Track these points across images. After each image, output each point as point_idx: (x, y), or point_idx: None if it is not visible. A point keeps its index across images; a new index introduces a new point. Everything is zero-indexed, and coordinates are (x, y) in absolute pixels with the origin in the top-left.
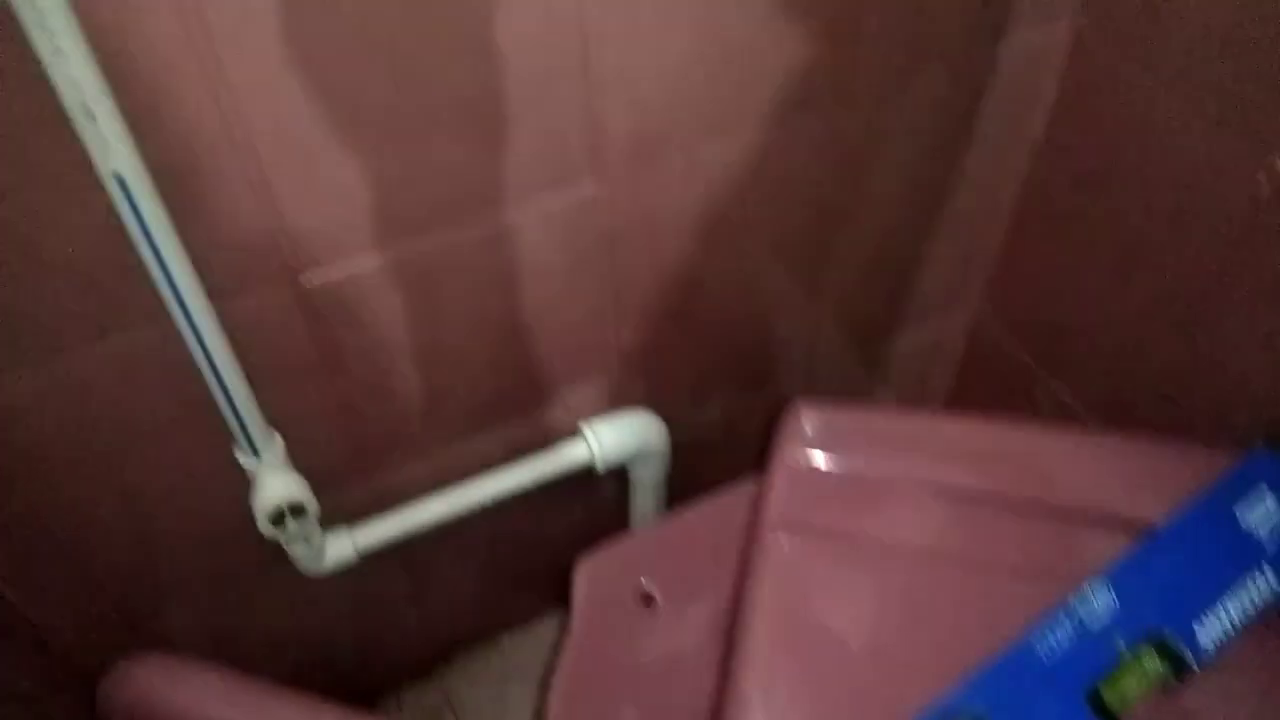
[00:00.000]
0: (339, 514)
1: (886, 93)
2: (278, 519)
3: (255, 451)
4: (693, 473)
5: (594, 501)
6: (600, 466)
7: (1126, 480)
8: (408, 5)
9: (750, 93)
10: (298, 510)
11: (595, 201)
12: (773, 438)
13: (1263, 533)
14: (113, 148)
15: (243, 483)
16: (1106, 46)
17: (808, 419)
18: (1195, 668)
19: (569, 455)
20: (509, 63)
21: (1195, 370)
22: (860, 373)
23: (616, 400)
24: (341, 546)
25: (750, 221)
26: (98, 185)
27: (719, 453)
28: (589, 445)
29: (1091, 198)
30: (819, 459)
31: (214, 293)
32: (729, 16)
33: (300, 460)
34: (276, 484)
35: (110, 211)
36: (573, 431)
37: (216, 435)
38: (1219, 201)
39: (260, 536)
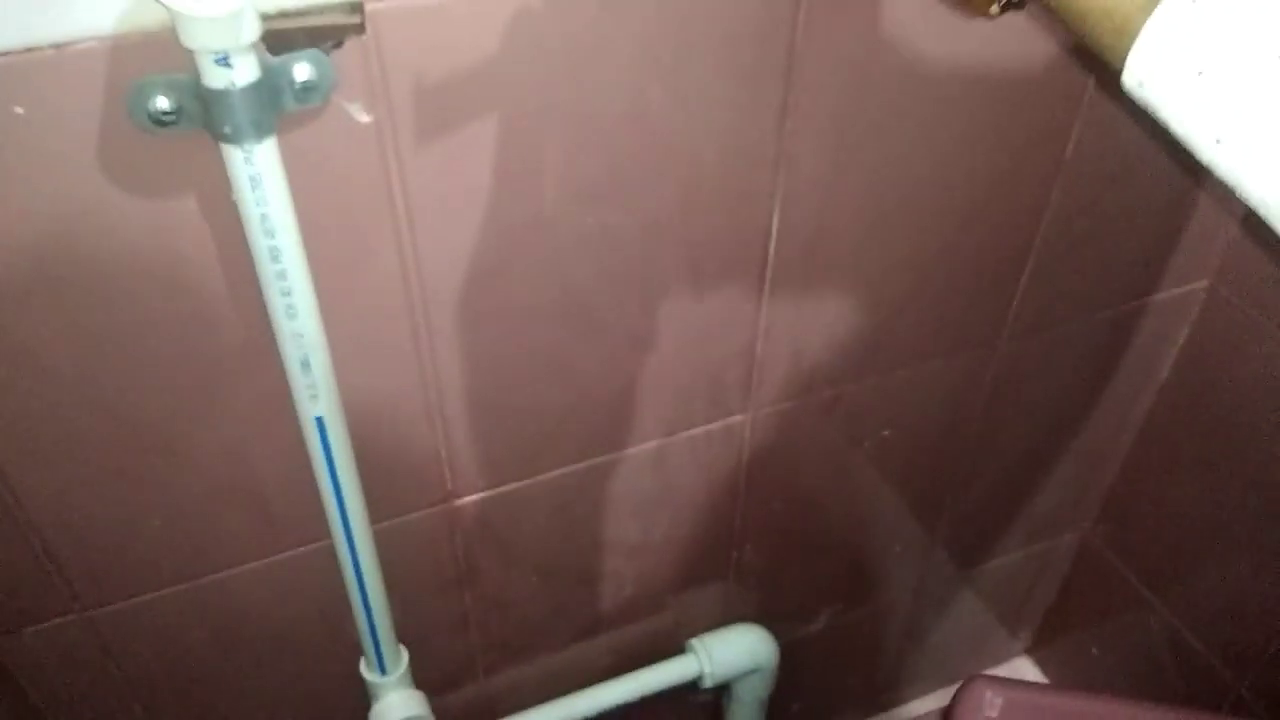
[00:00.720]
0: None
1: (1029, 341)
2: None
3: (383, 668)
4: (790, 681)
5: (690, 709)
6: (709, 684)
7: None
8: (606, 273)
9: (904, 340)
10: None
11: (740, 429)
12: (951, 711)
13: None
14: (321, 396)
15: (356, 694)
16: (1238, 297)
17: (987, 699)
18: None
19: (678, 670)
20: (688, 314)
21: None
22: (964, 587)
23: (728, 612)
24: None
25: (882, 449)
26: (288, 420)
27: (819, 664)
28: (700, 663)
29: (1214, 436)
30: None
31: (374, 516)
32: (898, 278)
33: (414, 671)
34: (400, 702)
35: (293, 444)
36: (681, 641)
37: (342, 650)
38: None
39: None
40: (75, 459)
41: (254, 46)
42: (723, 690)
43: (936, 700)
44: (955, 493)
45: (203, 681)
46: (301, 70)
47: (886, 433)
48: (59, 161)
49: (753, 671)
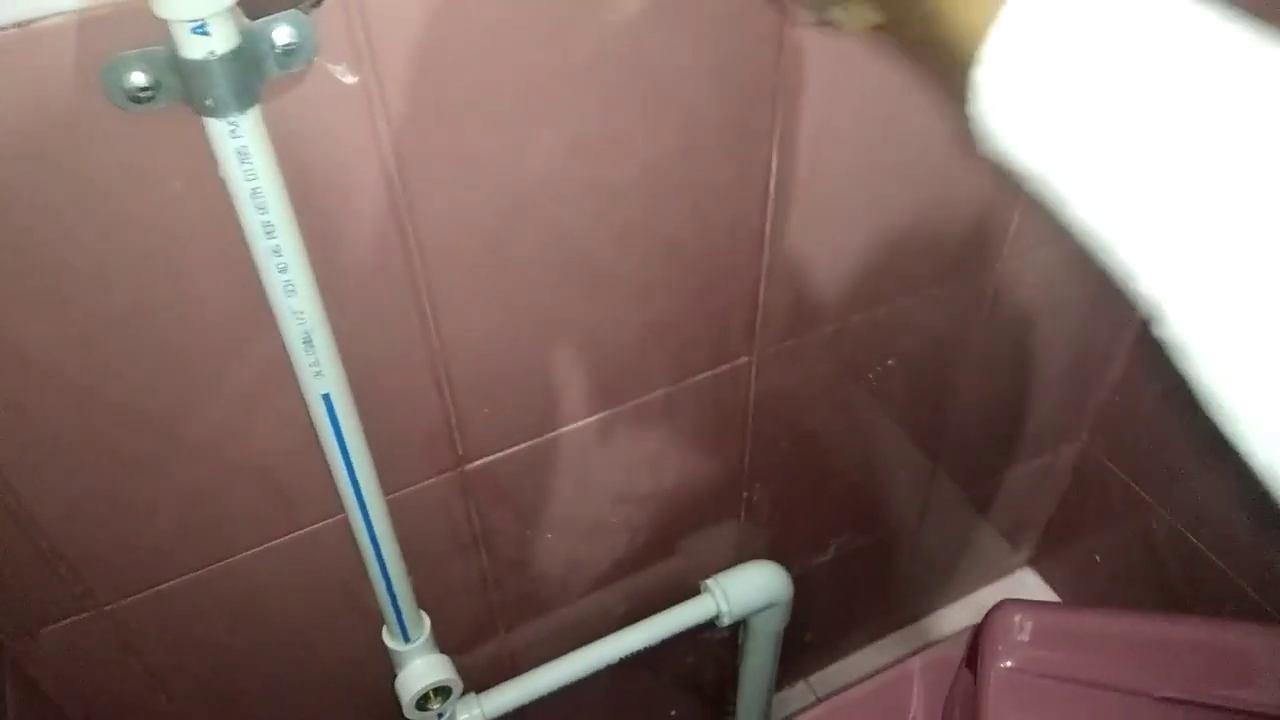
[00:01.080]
0: (464, 679)
1: (1027, 260)
2: (423, 702)
3: (406, 636)
4: (802, 611)
5: (707, 646)
6: (726, 622)
7: None
8: (607, 224)
9: (904, 270)
10: (444, 692)
11: (746, 371)
12: (980, 638)
13: None
14: (325, 373)
15: (379, 663)
16: None
17: (1018, 621)
18: None
19: (695, 612)
20: (690, 261)
21: None
22: (967, 505)
23: (741, 550)
24: (471, 716)
25: (885, 378)
26: (293, 398)
27: (830, 592)
28: (717, 602)
29: None
30: (1028, 661)
31: (386, 487)
32: (899, 210)
33: (436, 634)
34: (425, 668)
35: (300, 422)
36: (695, 582)
37: (364, 620)
38: None
39: (386, 709)
40: (76, 454)
41: (231, 11)
42: (739, 626)
43: (941, 620)
44: (957, 415)
45: (226, 664)
46: (282, 33)
47: (890, 361)
48: (32, 147)
49: (768, 607)
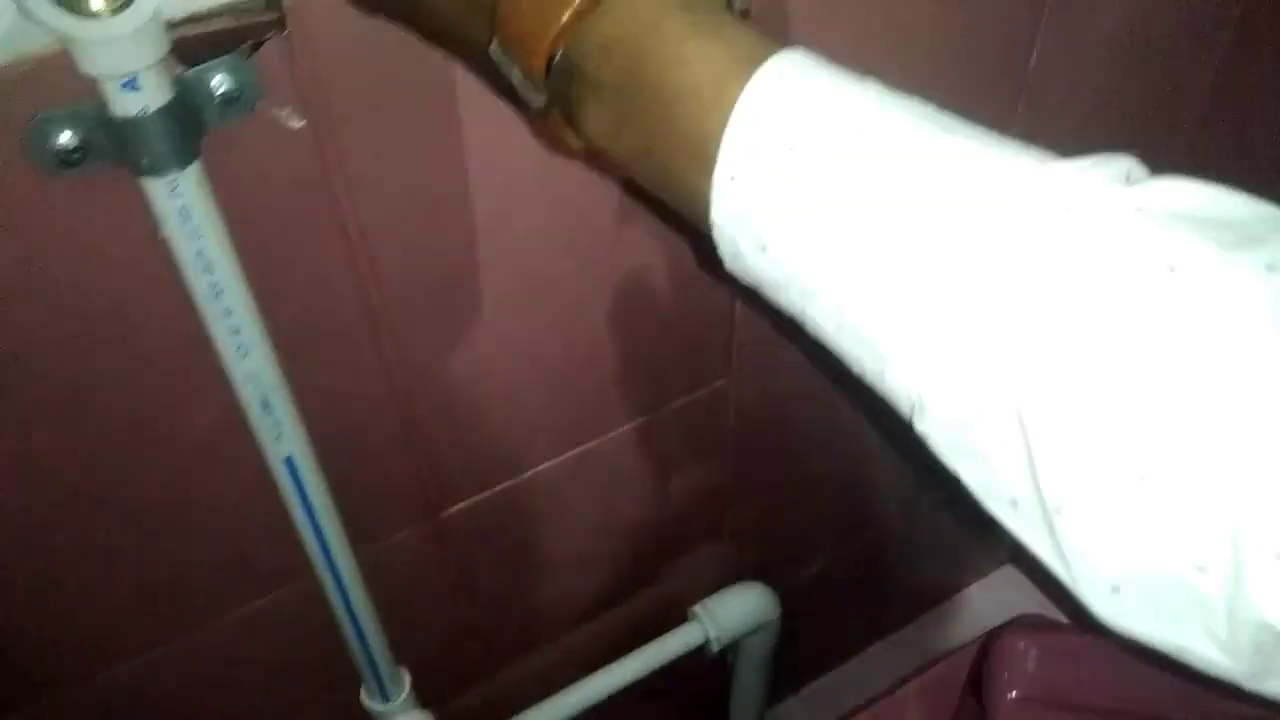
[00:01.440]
0: None
1: None
2: None
3: (385, 696)
4: (789, 624)
5: (698, 668)
6: (717, 648)
7: None
8: (575, 254)
9: None
10: None
11: (724, 393)
12: (985, 667)
13: None
14: (286, 435)
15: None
16: None
17: (1023, 648)
18: None
19: (684, 640)
20: (663, 287)
21: None
22: (949, 506)
23: (726, 571)
24: None
25: (864, 388)
26: (254, 463)
27: (817, 604)
28: (705, 629)
29: None
30: (1037, 689)
31: (356, 539)
32: None
33: (420, 683)
34: None
35: (263, 486)
36: (683, 607)
37: (341, 681)
38: None
39: None
40: (22, 540)
41: (163, 63)
42: (729, 648)
43: (929, 624)
44: None
45: None
46: (220, 81)
47: None
48: None
49: (757, 629)
